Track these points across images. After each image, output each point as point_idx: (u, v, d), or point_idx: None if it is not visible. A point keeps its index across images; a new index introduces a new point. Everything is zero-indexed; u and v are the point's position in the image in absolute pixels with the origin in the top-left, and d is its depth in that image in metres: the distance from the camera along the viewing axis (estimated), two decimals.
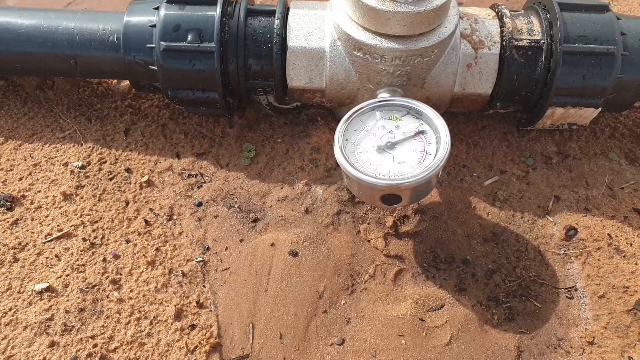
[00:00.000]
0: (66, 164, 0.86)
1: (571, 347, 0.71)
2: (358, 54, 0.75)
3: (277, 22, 0.79)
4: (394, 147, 0.69)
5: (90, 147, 0.88)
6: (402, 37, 0.73)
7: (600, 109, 0.82)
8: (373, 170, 0.67)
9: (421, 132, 0.70)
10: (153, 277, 0.75)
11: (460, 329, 0.72)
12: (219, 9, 0.78)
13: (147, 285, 0.74)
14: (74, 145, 0.88)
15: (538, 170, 0.87)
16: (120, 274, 0.75)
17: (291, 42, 0.79)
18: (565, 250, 0.79)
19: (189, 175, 0.86)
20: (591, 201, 0.84)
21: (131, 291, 0.74)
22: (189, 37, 0.78)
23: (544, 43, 0.79)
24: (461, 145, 0.89)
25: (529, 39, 0.79)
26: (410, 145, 0.69)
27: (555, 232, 0.81)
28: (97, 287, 0.74)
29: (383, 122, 0.72)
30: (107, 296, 0.73)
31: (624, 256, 0.78)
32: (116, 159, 0.87)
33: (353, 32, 0.74)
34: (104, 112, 0.93)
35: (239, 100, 0.88)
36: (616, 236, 0.80)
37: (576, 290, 0.76)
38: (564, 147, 0.90)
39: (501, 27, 0.80)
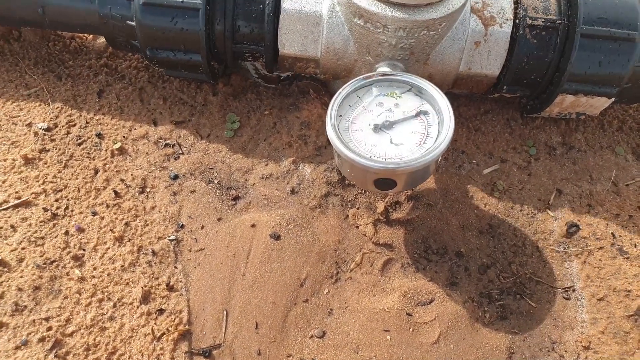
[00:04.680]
0: (30, 125, 0.79)
1: (565, 351, 0.67)
2: (358, 22, 0.69)
3: None
4: (392, 126, 0.64)
5: (58, 107, 0.80)
6: (408, 5, 0.66)
7: (613, 99, 0.76)
8: (368, 151, 0.62)
9: (422, 113, 0.65)
10: (120, 254, 0.69)
11: (450, 327, 0.67)
12: None
13: (112, 263, 0.68)
14: (40, 105, 0.81)
15: (541, 161, 0.82)
16: (84, 250, 0.69)
17: (286, 3, 0.72)
18: (565, 248, 0.74)
19: (166, 145, 0.79)
20: (595, 197, 0.79)
21: (94, 269, 0.68)
22: None
23: (560, 24, 0.73)
24: (461, 129, 0.84)
25: (544, 18, 0.73)
26: (409, 125, 0.64)
27: (556, 227, 0.76)
28: (56, 263, 0.68)
29: (381, 99, 0.66)
30: (67, 274, 0.67)
31: (628, 258, 0.73)
32: (87, 123, 0.80)
33: None
34: (76, 71, 0.85)
35: (225, 65, 0.81)
36: (620, 236, 0.75)
37: (574, 290, 0.71)
38: (569, 138, 0.85)
39: (515, 3, 0.74)
